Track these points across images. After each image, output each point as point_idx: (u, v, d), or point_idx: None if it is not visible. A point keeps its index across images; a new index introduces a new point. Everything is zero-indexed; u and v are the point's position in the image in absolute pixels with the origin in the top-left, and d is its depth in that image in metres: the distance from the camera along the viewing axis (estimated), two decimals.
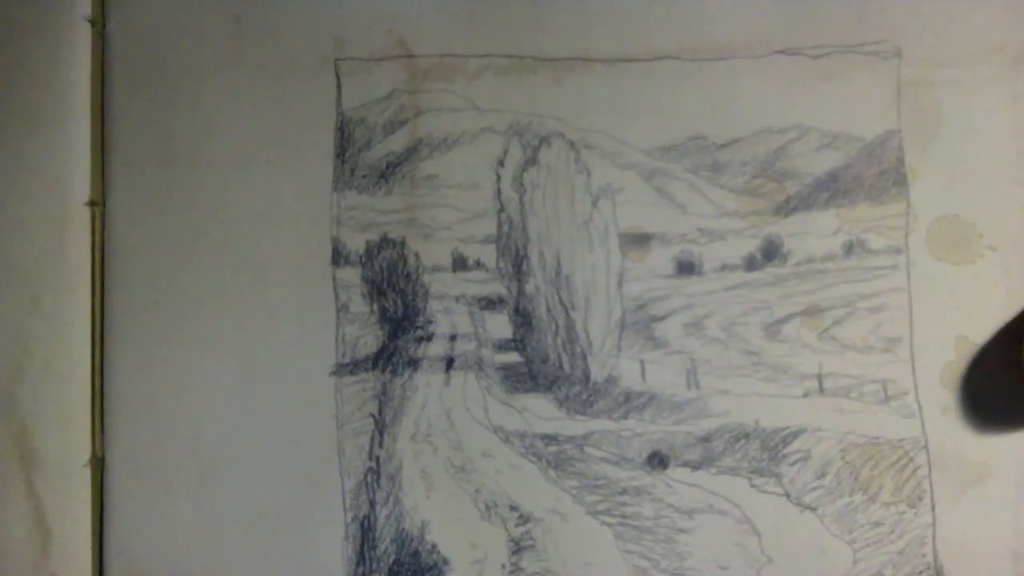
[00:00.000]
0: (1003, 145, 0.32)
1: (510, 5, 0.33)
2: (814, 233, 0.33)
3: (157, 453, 0.32)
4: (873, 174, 0.33)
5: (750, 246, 0.33)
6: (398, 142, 0.33)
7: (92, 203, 0.32)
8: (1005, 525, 0.32)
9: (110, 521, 0.31)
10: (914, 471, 0.33)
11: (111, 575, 0.31)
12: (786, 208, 0.33)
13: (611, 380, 0.33)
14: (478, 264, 0.33)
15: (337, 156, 0.33)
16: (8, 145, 0.31)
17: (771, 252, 0.33)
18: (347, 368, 0.32)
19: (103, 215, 0.32)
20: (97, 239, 0.32)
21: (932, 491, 0.33)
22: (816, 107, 0.33)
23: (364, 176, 0.33)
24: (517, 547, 0.32)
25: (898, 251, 0.33)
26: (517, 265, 0.33)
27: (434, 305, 0.33)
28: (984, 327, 0.33)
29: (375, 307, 0.32)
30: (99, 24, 0.32)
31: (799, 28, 0.33)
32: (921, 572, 0.32)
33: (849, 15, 0.33)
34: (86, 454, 0.31)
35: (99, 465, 0.31)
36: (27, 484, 0.30)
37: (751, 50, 0.33)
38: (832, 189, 0.33)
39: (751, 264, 0.33)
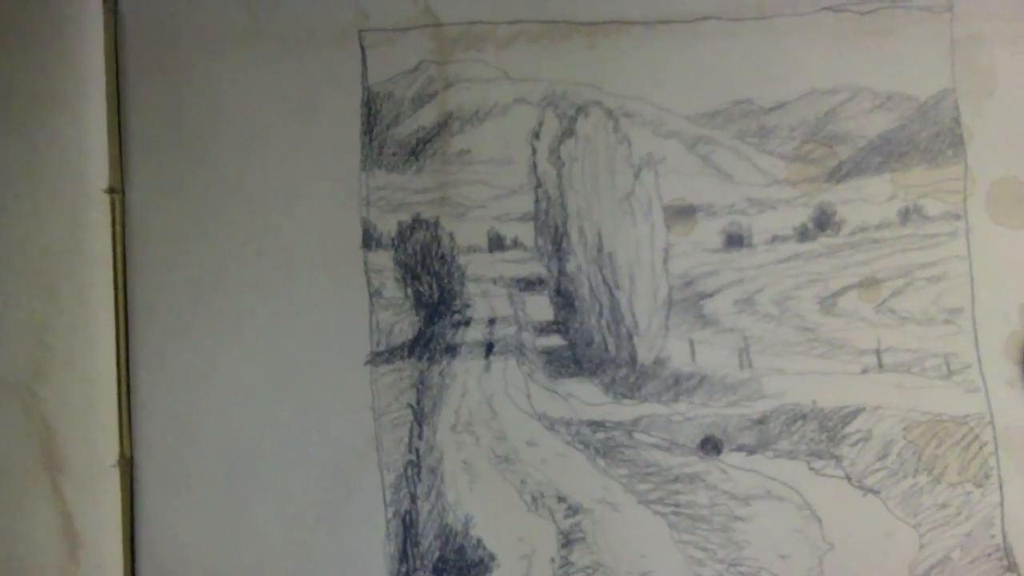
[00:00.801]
0: None
1: None
2: (868, 200, 0.32)
3: (187, 451, 0.31)
4: (928, 136, 0.33)
5: (802, 215, 0.32)
6: (428, 116, 0.32)
7: (111, 190, 0.31)
8: None
9: (140, 524, 0.31)
10: (980, 448, 0.32)
11: None
12: (838, 174, 0.32)
13: (659, 362, 0.32)
14: (516, 243, 0.32)
15: (364, 133, 0.32)
16: (21, 131, 0.30)
17: (824, 221, 0.32)
18: (382, 356, 0.31)
19: (123, 202, 0.31)
20: (117, 228, 0.31)
21: (999, 469, 0.33)
22: (866, 66, 0.33)
23: (393, 154, 0.32)
24: (566, 540, 0.31)
25: (956, 217, 0.32)
26: (557, 243, 0.32)
27: (471, 288, 0.32)
28: None
29: (409, 292, 0.32)
30: (111, 2, 0.31)
31: None
32: (990, 554, 0.32)
33: None
34: (114, 454, 0.30)
35: (128, 466, 0.31)
36: (53, 487, 0.30)
37: (796, 7, 0.32)
38: (885, 153, 0.33)
39: (803, 235, 0.32)
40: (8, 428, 0.29)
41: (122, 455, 0.30)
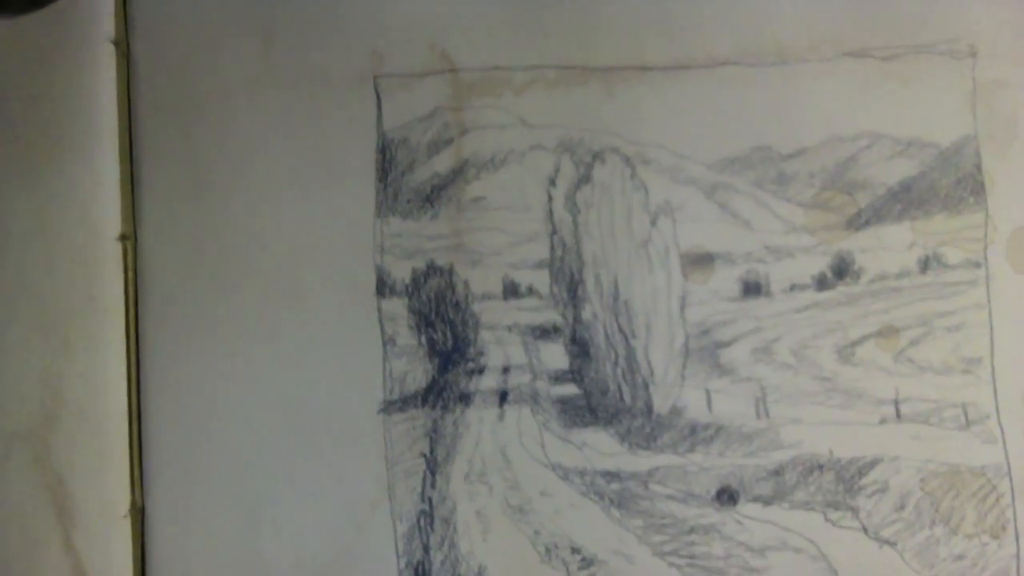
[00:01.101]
0: None
1: (558, 13, 0.32)
2: (888, 248, 0.32)
3: (199, 500, 0.31)
4: (949, 183, 0.33)
5: (820, 264, 0.33)
6: (443, 163, 0.32)
7: (123, 237, 0.31)
8: None
9: (152, 573, 0.31)
10: (997, 500, 0.33)
11: None
12: (857, 222, 0.32)
13: (675, 412, 0.32)
14: (530, 291, 0.32)
15: (379, 180, 0.32)
16: (33, 177, 0.31)
17: (843, 269, 0.32)
18: (396, 405, 0.31)
19: (135, 249, 0.31)
20: (129, 275, 0.31)
21: (1016, 520, 0.32)
22: (887, 112, 0.33)
23: (408, 200, 0.32)
24: None
25: (977, 265, 0.33)
26: (572, 291, 0.32)
27: (485, 336, 0.32)
28: None
29: (423, 339, 0.32)
30: (123, 45, 0.31)
31: (867, 28, 0.33)
32: None
33: (920, 13, 0.33)
34: (125, 504, 0.30)
35: (139, 515, 0.31)
36: (65, 538, 0.30)
37: (817, 53, 0.32)
38: (906, 200, 0.33)
39: (822, 283, 0.32)
40: (20, 479, 0.30)
41: (133, 504, 0.30)
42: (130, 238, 0.31)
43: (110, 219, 0.31)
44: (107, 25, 0.31)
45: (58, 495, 0.30)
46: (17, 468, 0.30)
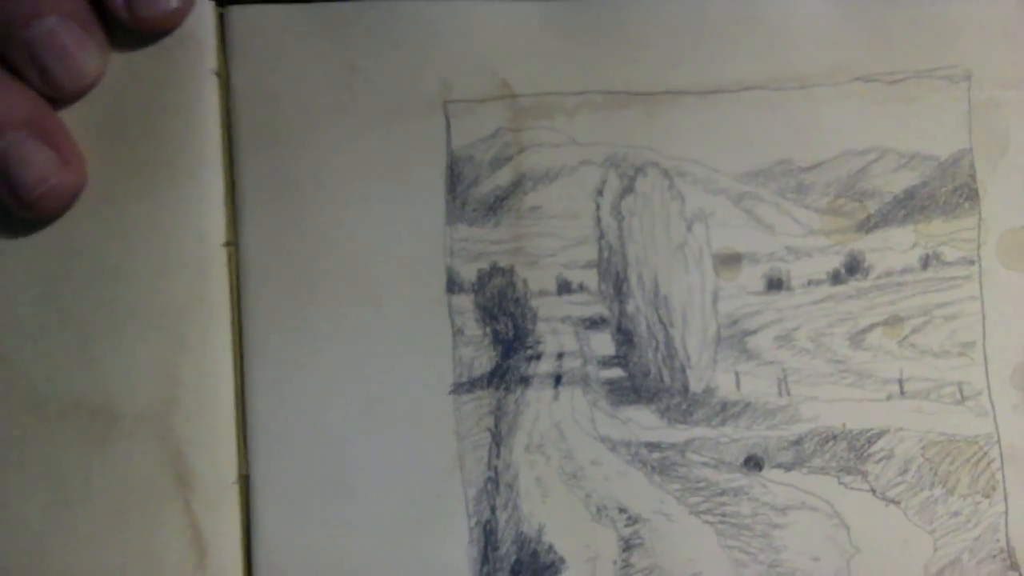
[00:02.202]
0: None
1: (604, 45, 0.35)
2: (893, 248, 0.35)
3: (296, 471, 0.34)
4: (947, 191, 0.36)
5: (835, 262, 0.35)
6: (504, 177, 0.35)
7: (228, 243, 0.34)
8: None
9: (257, 535, 0.34)
10: (988, 464, 0.35)
11: None
12: (867, 226, 0.35)
13: (708, 391, 0.35)
14: (581, 287, 0.35)
15: (448, 192, 0.35)
16: (150, 194, 0.33)
17: (854, 267, 0.35)
18: (464, 387, 0.35)
19: (237, 254, 0.34)
20: (233, 277, 0.34)
21: (1004, 482, 0.35)
22: (893, 130, 0.35)
23: (474, 210, 0.35)
24: (627, 545, 0.35)
25: (971, 262, 0.36)
26: (618, 287, 0.35)
27: (542, 327, 0.35)
28: None
29: (488, 330, 0.35)
30: (224, 76, 0.34)
31: (876, 56, 0.35)
32: (995, 556, 0.35)
33: (923, 42, 0.35)
34: (234, 473, 0.34)
35: (245, 483, 0.34)
36: (184, 503, 0.33)
37: (832, 78, 0.35)
38: (909, 206, 0.36)
39: (836, 279, 0.35)
40: (145, 454, 0.33)
41: (240, 473, 0.34)
42: (233, 244, 0.34)
43: (216, 228, 0.34)
44: (211, 59, 0.34)
45: (178, 466, 0.33)
46: (142, 445, 0.33)
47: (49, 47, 0.31)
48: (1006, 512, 0.35)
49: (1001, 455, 0.35)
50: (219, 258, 0.34)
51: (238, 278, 0.34)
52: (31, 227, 0.33)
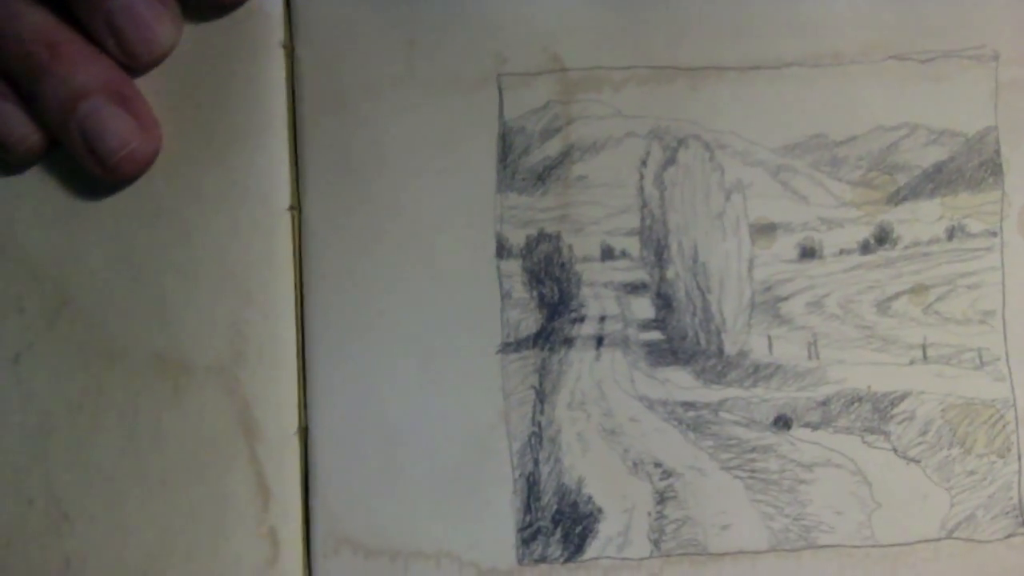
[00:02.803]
0: None
1: (651, 21, 0.37)
2: (921, 220, 0.37)
3: (351, 423, 0.37)
4: (973, 166, 0.37)
5: (865, 232, 0.37)
6: (553, 147, 0.37)
7: (291, 208, 0.36)
8: None
9: (314, 482, 0.36)
10: (1003, 427, 0.37)
11: (316, 529, 0.36)
12: (896, 198, 0.37)
13: (742, 354, 0.37)
14: (624, 254, 0.37)
15: (499, 161, 0.37)
16: (221, 161, 0.36)
17: (883, 237, 0.37)
18: (511, 347, 0.37)
19: (300, 218, 0.36)
20: (296, 240, 0.36)
21: (1019, 443, 0.37)
22: (924, 107, 0.37)
23: (523, 179, 0.37)
24: (661, 498, 0.37)
25: (993, 234, 0.37)
26: (659, 254, 0.37)
27: (585, 291, 0.37)
28: None
29: (534, 294, 0.37)
30: (289, 48, 0.36)
31: (909, 35, 0.37)
32: (1008, 512, 0.37)
33: (953, 23, 0.37)
34: (295, 424, 0.36)
35: (304, 434, 0.37)
36: (250, 451, 0.36)
37: (867, 56, 0.37)
38: (937, 180, 0.37)
39: (865, 248, 0.37)
40: (216, 405, 0.36)
41: (300, 425, 0.36)
42: (296, 208, 0.36)
43: (281, 193, 0.36)
44: (278, 32, 0.36)
45: (244, 417, 0.36)
46: (211, 396, 0.36)
47: (127, 17, 0.33)
48: (1019, 471, 0.37)
49: (1016, 418, 0.37)
50: (284, 221, 0.36)
51: (301, 240, 0.37)
52: (110, 190, 0.36)
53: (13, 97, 0.33)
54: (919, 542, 0.37)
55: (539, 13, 0.37)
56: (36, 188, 0.36)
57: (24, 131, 0.33)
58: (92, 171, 0.34)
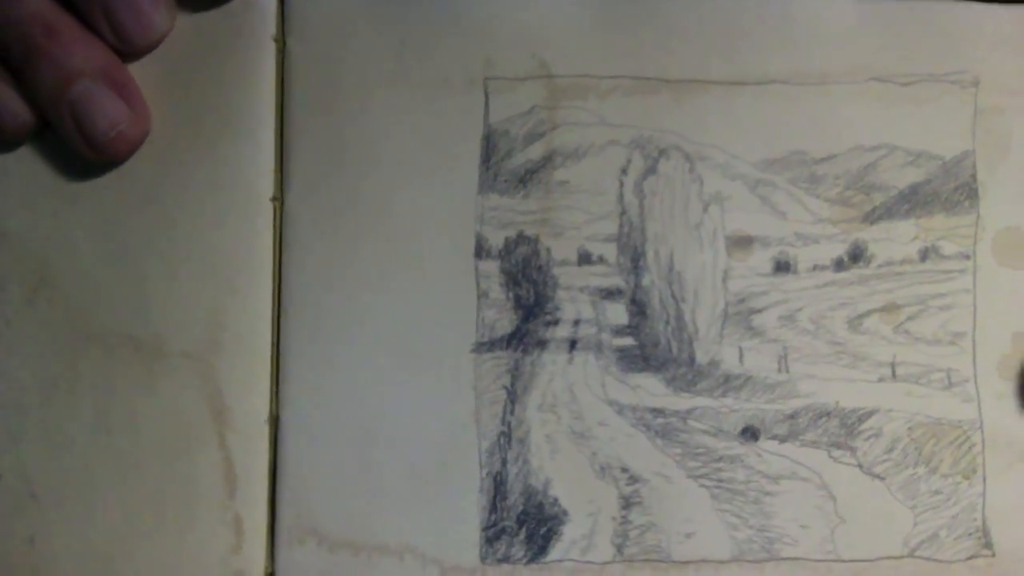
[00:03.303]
0: None
1: (639, 33, 0.38)
2: (895, 240, 0.38)
3: (323, 415, 0.37)
4: (949, 189, 0.38)
5: (839, 249, 0.38)
6: (536, 152, 0.38)
7: (275, 199, 0.37)
8: None
9: (283, 471, 0.37)
10: (970, 448, 0.37)
11: (282, 519, 0.37)
12: (872, 217, 0.38)
13: (713, 363, 0.38)
14: (601, 260, 0.38)
15: (482, 163, 0.38)
16: (207, 148, 0.36)
17: (857, 255, 0.38)
18: (485, 346, 0.38)
19: (283, 209, 0.37)
20: (278, 231, 0.37)
21: (984, 466, 0.37)
22: (903, 129, 0.38)
23: (505, 181, 0.38)
24: (627, 503, 0.37)
25: (967, 257, 0.38)
26: (635, 261, 0.38)
27: (561, 294, 0.38)
28: None
29: (511, 295, 0.38)
30: (281, 43, 0.37)
31: (892, 59, 0.38)
32: (971, 533, 0.37)
33: (936, 48, 0.38)
34: (265, 413, 0.37)
35: (275, 423, 0.37)
36: (219, 437, 0.36)
37: (849, 77, 0.38)
38: (913, 201, 0.38)
39: (839, 265, 0.38)
40: (187, 389, 0.36)
41: (271, 415, 0.37)
42: (279, 200, 0.37)
43: (265, 184, 0.37)
44: (270, 26, 0.37)
45: (215, 403, 0.36)
46: (185, 380, 0.36)
47: (123, 3, 0.34)
48: (984, 494, 0.37)
49: (983, 440, 0.37)
50: (266, 212, 0.37)
51: (282, 231, 0.37)
52: (97, 172, 0.36)
53: (7, 76, 0.34)
54: (881, 559, 0.37)
55: (529, 19, 0.37)
56: (23, 169, 0.36)
57: (15, 108, 0.34)
58: (81, 152, 0.35)
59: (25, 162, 0.36)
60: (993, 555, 0.37)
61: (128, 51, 0.35)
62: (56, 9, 0.34)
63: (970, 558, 0.37)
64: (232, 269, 0.36)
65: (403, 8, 0.37)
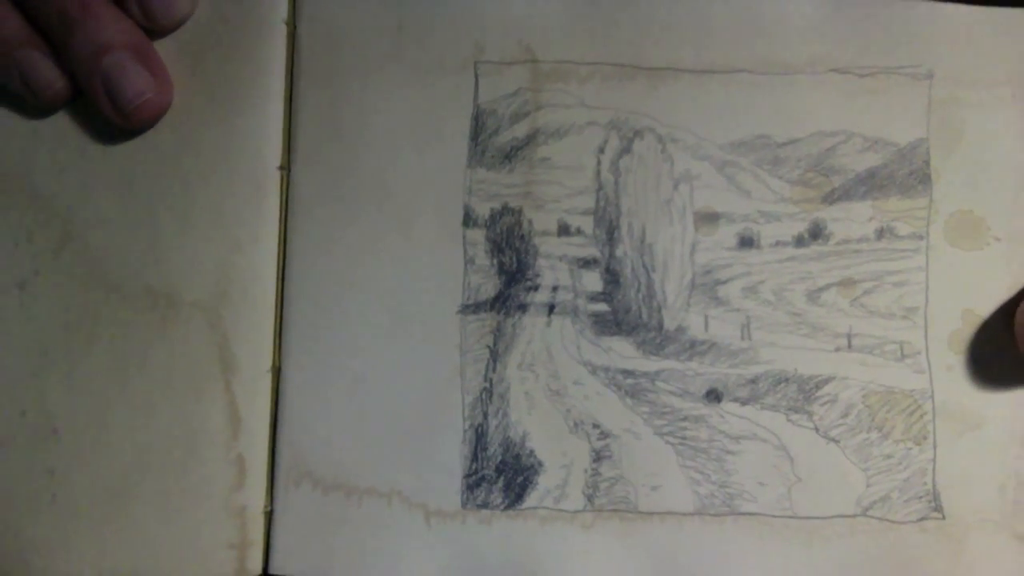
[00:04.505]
0: (1013, 155, 0.40)
1: (618, 23, 0.41)
2: (853, 219, 0.40)
3: (321, 367, 0.40)
4: (904, 173, 0.40)
5: (800, 227, 0.40)
6: (521, 130, 0.41)
7: (281, 167, 0.40)
8: (994, 463, 0.39)
9: (283, 418, 0.40)
10: (921, 416, 0.39)
11: (281, 461, 0.40)
12: (831, 198, 0.40)
13: (680, 330, 0.40)
14: (578, 231, 0.40)
15: (471, 139, 0.41)
16: (221, 122, 0.40)
17: (817, 233, 0.40)
18: (471, 308, 0.40)
19: (289, 177, 0.41)
20: (284, 196, 0.41)
21: (935, 433, 0.39)
22: (860, 116, 0.40)
23: (492, 156, 0.41)
24: (598, 456, 0.39)
25: (920, 237, 0.40)
26: (610, 233, 0.40)
27: (541, 262, 0.40)
28: (987, 303, 0.40)
29: (495, 261, 0.40)
30: (291, 26, 0.41)
31: (851, 52, 0.41)
32: (921, 497, 0.39)
33: (893, 42, 0.41)
34: (268, 363, 0.40)
35: (277, 373, 0.40)
36: (226, 383, 0.40)
37: (811, 68, 0.41)
38: (869, 184, 0.40)
39: (800, 242, 0.40)
40: (197, 337, 0.39)
41: (274, 365, 0.40)
42: (286, 168, 0.40)
43: (273, 153, 0.40)
44: (282, 10, 0.40)
45: (223, 351, 0.39)
46: (195, 328, 0.39)
47: None
48: (934, 460, 0.39)
49: (934, 409, 0.39)
50: (274, 179, 0.40)
51: (288, 197, 0.41)
52: (121, 139, 0.40)
53: (45, 47, 0.38)
54: (835, 517, 0.39)
55: (516, 9, 0.41)
56: (56, 134, 0.40)
57: (51, 76, 0.38)
58: (110, 117, 0.39)
59: (56, 128, 0.40)
60: (943, 517, 0.39)
61: (155, 29, 0.39)
62: None
63: (921, 519, 0.39)
64: (241, 229, 0.40)
65: None
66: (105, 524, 0.39)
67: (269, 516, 0.40)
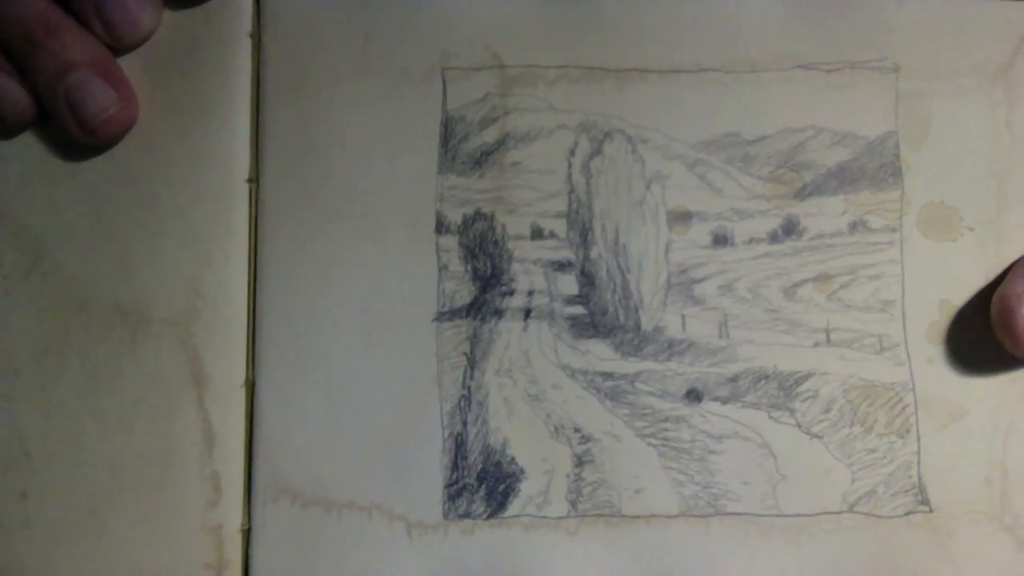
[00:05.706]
0: (981, 145, 0.41)
1: (583, 26, 0.41)
2: (825, 214, 0.40)
3: (296, 380, 0.40)
4: (874, 167, 0.40)
5: (773, 223, 0.40)
6: (490, 135, 0.41)
7: (250, 180, 0.40)
8: (978, 454, 0.39)
9: (258, 432, 0.40)
10: (903, 409, 0.39)
11: (257, 477, 0.40)
12: (803, 193, 0.40)
13: (658, 330, 0.40)
14: (552, 234, 0.40)
15: (441, 146, 0.41)
16: (187, 133, 0.40)
17: (790, 229, 0.40)
18: (446, 316, 0.40)
19: (258, 190, 0.41)
20: (253, 209, 0.41)
21: (918, 425, 0.39)
22: (829, 112, 0.40)
23: (463, 162, 0.41)
24: (579, 461, 0.39)
25: (893, 230, 0.40)
26: (583, 236, 0.40)
27: (516, 267, 0.40)
28: (963, 293, 0.40)
29: (469, 267, 0.40)
30: (256, 38, 0.41)
31: (817, 47, 0.41)
32: (907, 491, 0.39)
33: (858, 37, 0.41)
34: (242, 377, 0.40)
35: (250, 387, 0.40)
36: (198, 400, 0.39)
37: (778, 65, 0.41)
38: (840, 178, 0.40)
39: (774, 238, 0.40)
40: (168, 354, 0.39)
41: (247, 379, 0.40)
42: (254, 181, 0.40)
43: (241, 166, 0.40)
44: (247, 22, 0.40)
45: (195, 367, 0.39)
46: (166, 345, 0.39)
47: (113, 3, 0.38)
48: (918, 452, 0.39)
49: (915, 401, 0.39)
50: (242, 192, 0.40)
51: (257, 210, 0.41)
52: (88, 156, 0.40)
53: (8, 68, 0.38)
54: (821, 514, 0.39)
55: (482, 15, 0.41)
56: (23, 154, 0.40)
57: (16, 97, 0.38)
58: (75, 135, 0.39)
59: (23, 148, 0.40)
60: (930, 511, 0.39)
61: (118, 46, 0.39)
62: (54, 8, 0.38)
63: (908, 514, 0.39)
64: (211, 244, 0.40)
65: (367, 5, 0.41)
66: (79, 546, 0.39)
67: (247, 534, 0.40)
